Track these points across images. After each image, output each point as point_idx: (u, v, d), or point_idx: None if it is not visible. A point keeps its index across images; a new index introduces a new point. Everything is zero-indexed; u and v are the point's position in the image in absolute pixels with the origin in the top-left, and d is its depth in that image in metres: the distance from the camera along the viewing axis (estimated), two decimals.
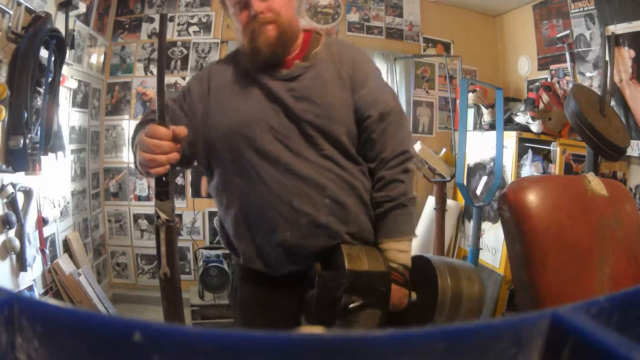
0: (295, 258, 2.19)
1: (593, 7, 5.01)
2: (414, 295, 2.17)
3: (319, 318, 2.01)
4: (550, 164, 5.09)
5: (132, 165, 5.94)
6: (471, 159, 5.72)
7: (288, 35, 2.20)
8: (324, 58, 2.26)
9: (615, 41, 4.73)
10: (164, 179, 1.72)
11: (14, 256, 3.96)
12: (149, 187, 6.05)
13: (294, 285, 2.24)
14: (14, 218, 3.91)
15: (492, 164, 5.23)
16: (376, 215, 2.24)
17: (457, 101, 5.50)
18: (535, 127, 5.07)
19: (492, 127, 5.44)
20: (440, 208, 5.38)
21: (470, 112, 6.02)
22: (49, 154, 4.29)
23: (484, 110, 5.81)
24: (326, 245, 2.15)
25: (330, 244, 2.15)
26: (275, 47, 2.16)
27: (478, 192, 5.39)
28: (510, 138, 5.15)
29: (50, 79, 4.13)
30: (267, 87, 2.19)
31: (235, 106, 2.20)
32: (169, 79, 5.99)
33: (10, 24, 3.76)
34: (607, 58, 4.79)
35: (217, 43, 6.08)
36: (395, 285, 2.10)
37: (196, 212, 6.09)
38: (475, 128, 6.01)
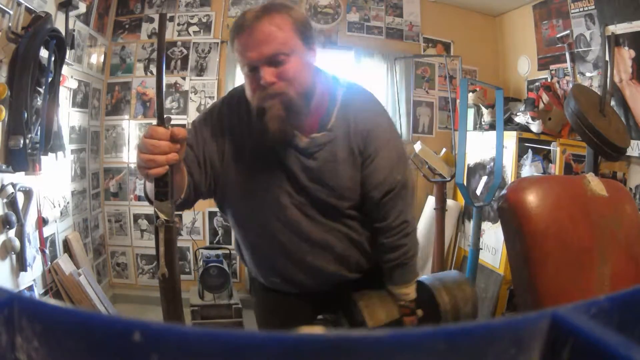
0: (308, 290, 2.40)
1: (593, 7, 5.02)
2: (420, 313, 2.33)
3: None
4: (550, 164, 5.09)
5: (132, 166, 5.95)
6: (471, 159, 5.72)
7: (299, 107, 2.03)
8: (339, 131, 2.16)
9: (615, 41, 4.73)
10: (163, 179, 1.72)
11: (14, 256, 3.96)
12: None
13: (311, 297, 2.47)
14: (14, 218, 3.91)
15: (492, 164, 5.23)
16: (383, 267, 2.36)
17: (457, 101, 5.50)
18: (535, 127, 5.07)
19: (492, 127, 5.44)
20: (440, 208, 5.38)
21: (470, 112, 6.02)
22: (49, 154, 4.29)
23: (484, 110, 5.81)
24: (336, 282, 2.38)
25: (340, 281, 2.38)
26: (284, 126, 2.03)
27: (478, 192, 5.38)
28: (510, 138, 5.15)
29: (50, 79, 4.12)
30: (283, 160, 2.15)
31: (255, 172, 2.19)
32: (168, 79, 6.00)
33: (10, 24, 3.76)
34: (607, 58, 4.79)
35: (217, 43, 6.08)
36: (406, 317, 2.30)
37: (196, 212, 6.09)
38: (475, 128, 6.01)
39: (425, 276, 2.46)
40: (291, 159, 2.14)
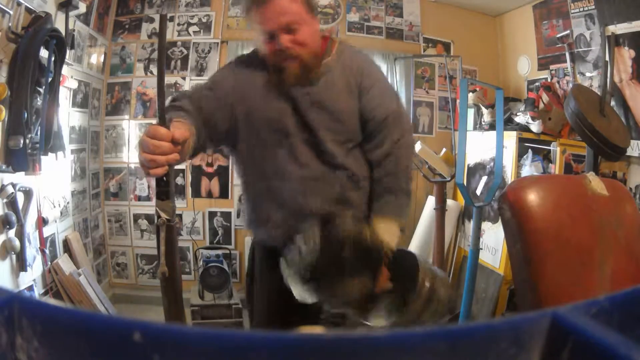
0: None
1: (593, 7, 5.01)
2: (389, 285, 2.30)
3: (313, 272, 2.12)
4: (550, 164, 5.09)
5: (132, 166, 5.96)
6: (471, 159, 5.71)
7: (311, 65, 2.44)
8: (336, 66, 2.52)
9: (615, 41, 4.73)
10: (164, 178, 1.73)
11: (14, 256, 3.96)
12: (149, 187, 6.04)
13: None
14: (14, 218, 3.91)
15: (492, 164, 5.22)
16: (375, 192, 2.55)
17: (457, 101, 5.50)
18: (535, 127, 5.07)
19: (492, 127, 5.44)
20: (440, 208, 5.38)
21: (470, 112, 6.02)
22: (49, 154, 4.29)
23: (484, 110, 5.80)
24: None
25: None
26: (299, 79, 2.42)
27: (478, 192, 5.38)
28: (510, 138, 5.15)
29: (50, 79, 4.12)
30: (289, 92, 2.46)
31: (270, 107, 2.47)
32: (169, 79, 5.99)
33: (10, 24, 3.76)
34: (607, 58, 4.79)
35: (217, 43, 6.08)
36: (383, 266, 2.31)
37: (196, 212, 6.09)
38: (475, 128, 6.01)
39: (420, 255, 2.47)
40: (296, 90, 2.45)
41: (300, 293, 2.21)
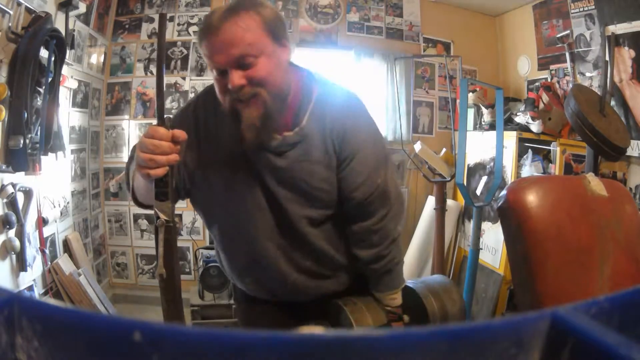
0: (286, 300, 2.36)
1: (593, 7, 5.02)
2: (406, 319, 2.30)
3: None
4: (550, 164, 5.09)
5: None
6: (471, 159, 5.72)
7: (273, 110, 1.95)
8: (313, 130, 2.06)
9: (615, 41, 4.73)
10: (163, 179, 1.72)
11: (14, 256, 3.96)
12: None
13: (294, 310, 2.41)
14: (14, 218, 3.91)
15: (492, 164, 5.23)
16: (369, 276, 2.32)
17: (457, 101, 5.50)
18: (535, 127, 5.07)
19: (492, 127, 5.44)
20: (440, 208, 5.38)
21: (470, 112, 6.02)
22: (49, 154, 4.29)
23: (484, 110, 5.81)
24: (313, 295, 2.33)
25: (317, 294, 2.32)
26: (260, 131, 1.94)
27: (478, 192, 5.39)
28: (510, 138, 5.15)
29: (50, 79, 4.13)
30: (254, 162, 2.07)
31: (228, 174, 2.10)
32: (169, 79, 6.01)
33: (10, 24, 3.76)
34: (607, 58, 4.79)
35: None
36: (393, 323, 2.26)
37: (196, 212, 6.08)
38: (475, 128, 6.01)
39: (410, 281, 2.43)
40: (262, 160, 2.06)
41: None
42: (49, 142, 4.20)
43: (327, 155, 2.07)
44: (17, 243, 3.92)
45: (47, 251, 4.53)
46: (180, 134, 1.72)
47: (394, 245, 2.24)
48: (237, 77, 1.84)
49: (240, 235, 2.18)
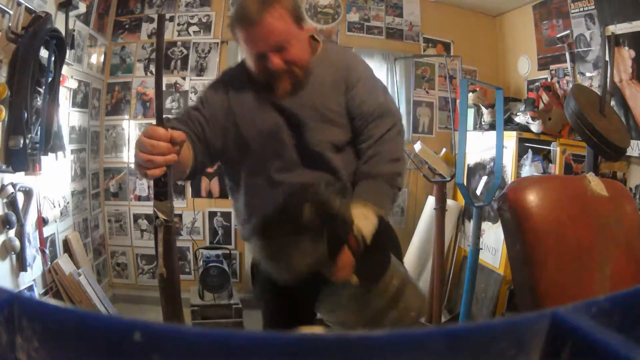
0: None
1: (593, 7, 5.02)
2: (354, 280, 2.13)
3: (267, 227, 2.04)
4: (550, 164, 5.09)
5: (132, 166, 5.96)
6: (471, 159, 5.72)
7: (302, 79, 2.39)
8: (322, 64, 2.49)
9: (615, 41, 4.73)
10: (162, 179, 1.72)
11: (13, 256, 3.96)
12: (149, 187, 6.04)
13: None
14: (14, 218, 3.91)
15: (492, 164, 5.22)
16: (358, 179, 2.44)
17: (457, 101, 5.50)
18: (535, 127, 5.07)
19: (492, 127, 5.44)
20: (440, 208, 5.38)
21: (470, 112, 6.02)
22: (49, 154, 4.30)
23: (484, 110, 5.81)
24: None
25: None
26: (292, 93, 2.38)
27: (478, 192, 5.38)
28: (510, 138, 5.15)
29: (50, 79, 4.13)
30: (279, 105, 2.41)
31: (260, 118, 2.42)
32: (169, 79, 6.02)
33: (10, 24, 3.76)
34: (607, 58, 4.79)
35: (217, 43, 6.08)
36: (347, 250, 2.06)
37: (196, 212, 6.10)
38: (475, 128, 6.01)
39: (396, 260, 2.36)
40: (287, 102, 2.41)
41: (255, 252, 2.25)
42: (49, 142, 4.20)
43: (336, 84, 2.46)
44: (17, 243, 3.92)
45: (47, 251, 4.52)
46: (179, 135, 1.74)
47: (404, 163, 2.51)
48: (276, 60, 2.26)
49: (265, 170, 2.42)
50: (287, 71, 2.31)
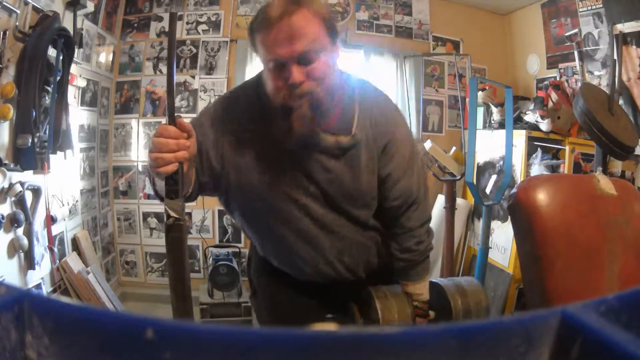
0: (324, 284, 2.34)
1: (601, 5, 5.01)
2: (432, 315, 2.33)
3: None
4: (558, 161, 5.09)
5: (141, 164, 5.98)
6: (481, 157, 5.71)
7: (326, 107, 1.92)
8: (362, 136, 2.05)
9: (624, 40, 4.72)
10: (173, 177, 1.72)
11: (22, 254, 3.97)
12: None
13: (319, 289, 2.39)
14: (22, 216, 3.93)
15: (501, 162, 5.22)
16: (396, 265, 2.34)
17: (467, 100, 5.50)
18: (544, 125, 5.06)
19: (501, 125, 5.44)
20: (450, 207, 5.37)
21: (480, 111, 6.01)
22: (58, 152, 4.31)
23: (494, 109, 5.80)
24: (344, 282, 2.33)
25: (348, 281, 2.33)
26: (311, 126, 1.91)
27: (487, 190, 5.37)
28: (520, 137, 5.14)
29: (58, 78, 4.14)
30: (300, 159, 2.04)
31: (264, 170, 2.05)
32: (178, 78, 6.01)
33: (17, 23, 3.77)
34: (615, 57, 4.78)
35: (227, 42, 6.08)
36: (419, 318, 2.27)
37: (206, 210, 6.10)
38: (484, 127, 6.00)
39: (439, 279, 2.45)
40: (311, 158, 2.02)
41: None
42: (58, 140, 4.22)
43: (372, 162, 2.10)
44: (25, 241, 3.94)
45: (55, 249, 4.53)
46: (187, 127, 1.73)
47: (428, 237, 2.34)
48: (297, 73, 1.81)
49: (278, 232, 2.17)
50: (307, 91, 1.84)
